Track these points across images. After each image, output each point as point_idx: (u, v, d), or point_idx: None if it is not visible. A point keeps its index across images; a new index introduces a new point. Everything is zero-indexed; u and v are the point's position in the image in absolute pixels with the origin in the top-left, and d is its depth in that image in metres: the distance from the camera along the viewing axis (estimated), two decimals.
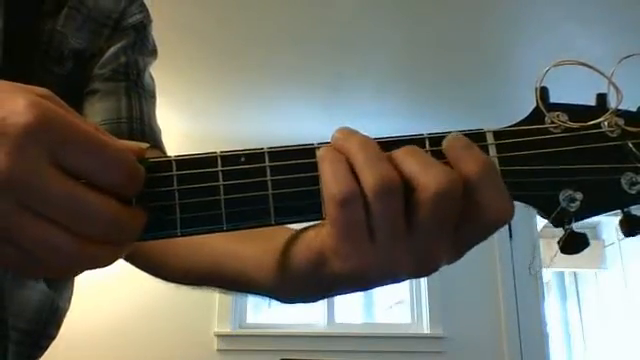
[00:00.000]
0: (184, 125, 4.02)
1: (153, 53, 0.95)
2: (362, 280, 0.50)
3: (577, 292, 5.42)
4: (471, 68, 3.50)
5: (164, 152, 0.89)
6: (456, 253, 0.49)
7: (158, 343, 4.05)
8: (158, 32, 0.96)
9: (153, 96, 0.92)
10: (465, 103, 3.89)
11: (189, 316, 3.98)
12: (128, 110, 0.86)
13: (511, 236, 4.13)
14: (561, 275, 5.55)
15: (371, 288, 0.52)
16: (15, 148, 0.41)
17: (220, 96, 3.82)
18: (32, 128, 0.41)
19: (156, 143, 0.88)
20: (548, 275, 5.17)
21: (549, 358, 4.47)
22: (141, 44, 0.91)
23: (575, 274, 5.48)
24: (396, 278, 0.50)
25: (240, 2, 2.92)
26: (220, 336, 4.15)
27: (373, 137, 0.49)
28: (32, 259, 0.44)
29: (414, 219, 0.47)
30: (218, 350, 4.14)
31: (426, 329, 4.38)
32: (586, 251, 0.49)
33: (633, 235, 0.48)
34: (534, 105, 0.51)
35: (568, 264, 4.96)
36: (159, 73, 0.95)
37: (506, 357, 4.33)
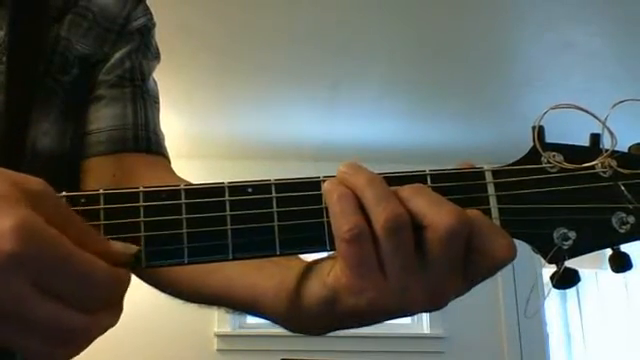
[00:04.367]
0: (184, 125, 4.02)
1: (157, 57, 0.95)
2: (375, 315, 0.51)
3: (577, 292, 5.42)
4: (472, 68, 3.49)
5: (167, 158, 0.90)
6: (465, 287, 0.51)
7: (158, 343, 4.05)
8: (158, 33, 0.97)
9: (157, 101, 0.93)
10: (466, 103, 3.88)
11: (189, 316, 3.98)
12: (134, 117, 0.86)
13: None
14: None
15: (382, 322, 0.53)
16: None
17: (220, 97, 3.82)
18: (17, 257, 0.40)
19: (160, 149, 0.88)
20: (548, 275, 5.17)
21: (549, 358, 4.48)
22: (145, 48, 0.92)
23: None
24: (406, 313, 0.51)
25: (240, 3, 2.92)
26: (220, 336, 4.16)
27: (377, 173, 0.50)
28: None
29: (425, 255, 0.48)
30: (218, 350, 4.15)
31: (426, 329, 4.39)
32: (581, 278, 0.50)
33: (621, 272, 0.50)
34: (533, 107, 0.53)
35: (568, 264, 4.92)
36: (159, 73, 0.96)
37: (506, 357, 4.34)
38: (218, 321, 4.17)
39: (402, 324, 4.48)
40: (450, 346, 4.30)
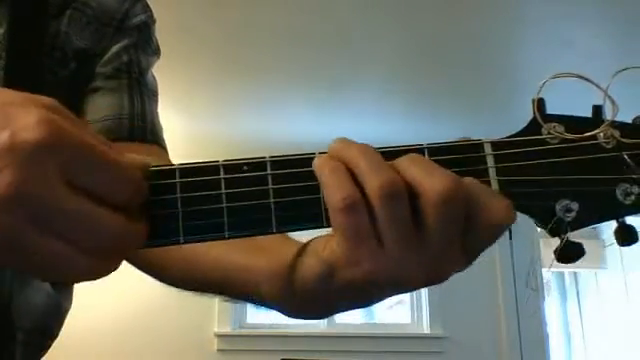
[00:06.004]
0: (184, 125, 4.02)
1: (156, 53, 0.95)
2: (372, 289, 0.50)
3: (577, 292, 5.43)
4: (471, 68, 3.50)
5: (165, 149, 0.89)
6: (465, 260, 0.50)
7: (158, 343, 4.05)
8: (158, 33, 0.97)
9: (155, 94, 0.92)
10: (465, 103, 3.89)
11: (189, 316, 3.99)
12: (130, 107, 0.86)
13: (511, 236, 4.14)
14: (561, 275, 5.57)
15: (379, 299, 0.52)
16: (25, 164, 0.41)
17: (220, 96, 3.83)
18: (43, 145, 0.41)
19: (157, 140, 0.88)
20: (548, 275, 5.19)
21: (549, 358, 4.48)
22: (144, 44, 0.92)
23: (575, 274, 5.50)
24: (406, 286, 0.50)
25: (240, 3, 2.92)
26: (220, 336, 4.16)
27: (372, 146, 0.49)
28: (39, 268, 0.45)
29: (422, 224, 0.47)
30: (218, 350, 4.15)
31: (426, 329, 4.39)
32: (586, 251, 0.49)
33: (627, 245, 0.49)
34: (532, 108, 0.52)
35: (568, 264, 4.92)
36: (160, 73, 0.96)
37: (506, 357, 4.34)
38: (218, 321, 4.17)
39: (402, 324, 4.48)
40: (450, 346, 4.30)
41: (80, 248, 0.43)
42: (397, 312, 4.60)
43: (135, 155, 0.49)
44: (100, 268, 0.46)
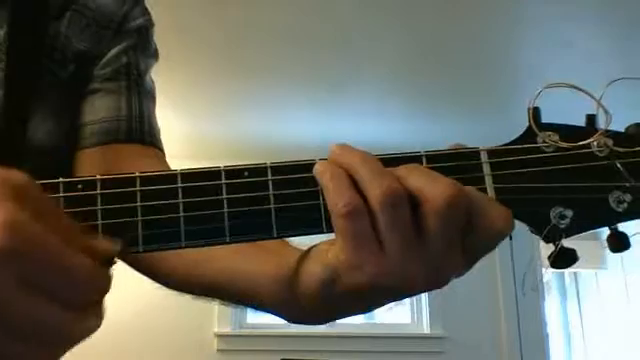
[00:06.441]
0: (183, 126, 4.02)
1: (154, 56, 0.95)
2: (374, 293, 0.51)
3: (577, 292, 5.43)
4: (472, 68, 3.50)
5: (163, 152, 0.90)
6: (464, 265, 0.51)
7: (158, 343, 4.05)
8: (157, 34, 0.97)
9: (153, 97, 0.93)
10: (466, 104, 3.89)
11: (189, 316, 3.99)
12: (128, 108, 0.86)
13: (511, 237, 4.13)
14: (561, 275, 5.57)
15: (379, 305, 0.53)
16: None
17: (219, 97, 3.82)
18: (3, 253, 0.39)
19: (155, 142, 0.88)
20: (548, 275, 5.19)
21: (549, 358, 4.48)
22: (143, 47, 0.92)
23: (575, 274, 5.50)
24: (407, 292, 0.51)
25: (239, 3, 2.92)
26: (220, 336, 4.16)
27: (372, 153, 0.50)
28: None
29: (424, 230, 0.48)
30: (218, 350, 4.15)
31: (426, 329, 4.40)
32: (586, 251, 0.50)
33: (619, 251, 0.50)
34: (528, 117, 0.53)
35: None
36: (159, 74, 0.96)
37: (506, 357, 4.34)
38: (218, 321, 4.17)
39: (402, 324, 4.48)
40: (450, 346, 4.30)
41: (36, 344, 0.43)
42: (397, 312, 4.60)
43: (105, 241, 0.47)
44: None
